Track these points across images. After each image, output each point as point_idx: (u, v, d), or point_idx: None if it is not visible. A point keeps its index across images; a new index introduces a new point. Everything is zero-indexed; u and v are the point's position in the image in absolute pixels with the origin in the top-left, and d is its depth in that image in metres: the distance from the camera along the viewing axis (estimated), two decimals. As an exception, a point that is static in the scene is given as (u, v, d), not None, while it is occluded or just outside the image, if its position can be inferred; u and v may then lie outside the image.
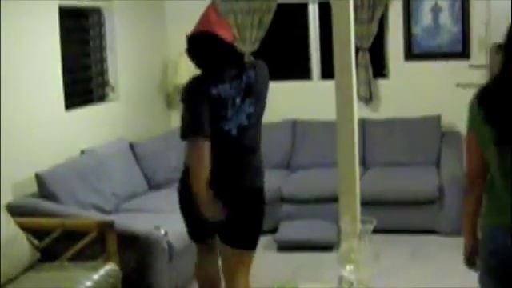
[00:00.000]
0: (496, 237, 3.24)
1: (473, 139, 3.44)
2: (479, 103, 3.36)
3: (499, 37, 7.89)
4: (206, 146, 4.32)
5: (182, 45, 8.32)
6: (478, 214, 3.47)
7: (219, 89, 4.45)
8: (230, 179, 4.58)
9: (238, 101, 4.51)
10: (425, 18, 8.09)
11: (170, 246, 5.57)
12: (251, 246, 4.71)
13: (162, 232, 5.51)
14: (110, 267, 4.97)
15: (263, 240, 7.16)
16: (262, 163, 4.77)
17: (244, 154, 4.61)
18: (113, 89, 7.47)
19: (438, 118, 7.88)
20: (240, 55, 4.81)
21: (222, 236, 4.67)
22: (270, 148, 8.07)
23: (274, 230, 7.15)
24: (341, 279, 3.16)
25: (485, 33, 7.89)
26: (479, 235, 3.45)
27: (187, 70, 8.22)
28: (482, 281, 3.41)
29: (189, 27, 8.56)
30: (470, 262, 3.59)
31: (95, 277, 4.80)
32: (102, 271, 4.88)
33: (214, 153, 4.33)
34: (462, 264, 6.01)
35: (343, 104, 3.48)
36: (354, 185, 3.57)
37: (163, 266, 5.51)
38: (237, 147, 4.53)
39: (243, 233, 4.64)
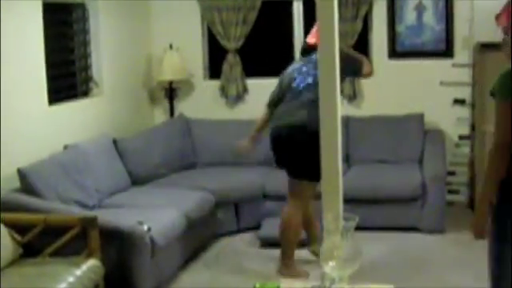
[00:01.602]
0: None
1: (509, 107, 3.67)
2: None
3: (483, 35, 7.96)
4: None
5: (167, 40, 8.42)
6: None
7: None
8: None
9: None
10: (409, 16, 8.11)
11: (153, 242, 5.57)
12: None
13: (145, 228, 5.51)
14: (92, 263, 4.96)
15: (246, 237, 7.21)
16: None
17: None
18: (97, 84, 7.45)
19: (421, 116, 7.91)
20: None
21: None
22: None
23: (257, 227, 7.17)
24: (323, 276, 3.16)
25: (468, 31, 7.92)
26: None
27: (171, 65, 8.24)
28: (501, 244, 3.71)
29: (173, 23, 8.65)
30: (481, 232, 3.81)
31: (77, 272, 4.79)
32: (84, 267, 4.88)
33: None
34: (443, 261, 6.05)
35: (326, 101, 3.48)
36: (337, 182, 3.57)
37: (146, 261, 5.51)
38: None
39: None
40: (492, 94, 3.88)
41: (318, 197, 3.70)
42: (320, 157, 4.79)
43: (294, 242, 6.03)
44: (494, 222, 3.79)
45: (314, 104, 5.18)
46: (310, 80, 5.96)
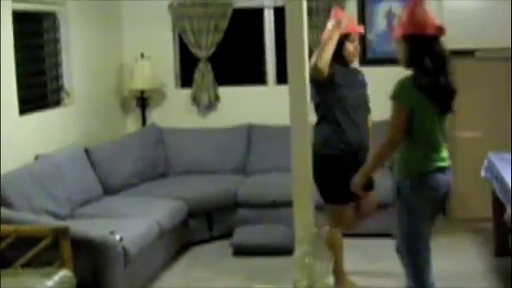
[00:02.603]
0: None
1: (405, 111, 4.48)
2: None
3: (452, 42, 8.01)
4: None
5: (138, 49, 8.41)
6: None
7: None
8: None
9: None
10: (379, 23, 8.17)
11: (126, 252, 5.55)
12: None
13: (117, 237, 5.49)
14: (64, 273, 4.93)
15: (218, 245, 7.20)
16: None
17: None
18: (68, 94, 7.42)
19: (392, 123, 7.94)
20: None
21: None
22: (225, 152, 8.14)
23: (229, 235, 7.16)
24: (296, 283, 3.18)
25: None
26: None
27: (143, 74, 8.23)
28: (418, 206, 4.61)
29: (145, 32, 8.63)
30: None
31: (49, 283, 4.75)
32: (56, 278, 4.84)
33: None
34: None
35: (297, 109, 3.50)
36: (308, 189, 3.59)
37: (118, 271, 5.49)
38: None
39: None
40: (392, 98, 4.52)
41: (291, 204, 3.71)
42: (339, 178, 5.35)
43: (341, 256, 5.80)
44: (411, 204, 4.62)
45: (316, 125, 5.55)
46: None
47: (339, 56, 5.62)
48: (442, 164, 4.63)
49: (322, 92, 5.51)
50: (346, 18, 5.71)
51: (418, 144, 4.57)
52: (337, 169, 5.47)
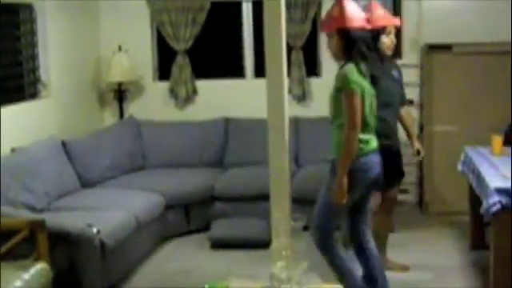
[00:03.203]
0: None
1: (360, 95, 4.72)
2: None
3: (430, 37, 8.06)
4: None
5: (116, 42, 8.37)
6: None
7: None
8: None
9: None
10: (357, 17, 8.16)
11: (103, 244, 5.54)
12: None
13: (95, 230, 5.48)
14: (40, 266, 4.92)
15: (196, 238, 7.21)
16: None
17: None
18: (45, 86, 7.38)
19: (370, 117, 7.96)
20: None
21: None
22: (202, 146, 8.14)
23: (206, 228, 7.17)
24: (272, 276, 3.18)
25: (416, 33, 8.01)
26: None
27: (120, 67, 8.20)
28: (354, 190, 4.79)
29: (122, 25, 8.60)
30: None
31: (25, 276, 4.74)
32: (32, 270, 4.83)
33: None
34: (394, 258, 6.10)
35: (274, 102, 3.50)
36: (285, 183, 3.59)
37: (96, 264, 5.49)
38: None
39: None
40: (344, 87, 4.73)
41: (268, 198, 3.72)
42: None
43: (381, 240, 5.96)
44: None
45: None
46: None
47: (374, 50, 5.56)
48: (375, 145, 4.96)
49: None
50: (381, 10, 5.80)
51: None
52: None
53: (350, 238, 5.10)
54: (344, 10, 4.84)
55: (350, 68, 4.80)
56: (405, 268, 6.20)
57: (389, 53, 5.81)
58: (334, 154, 4.92)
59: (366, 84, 4.84)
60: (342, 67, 4.84)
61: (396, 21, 5.88)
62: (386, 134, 5.65)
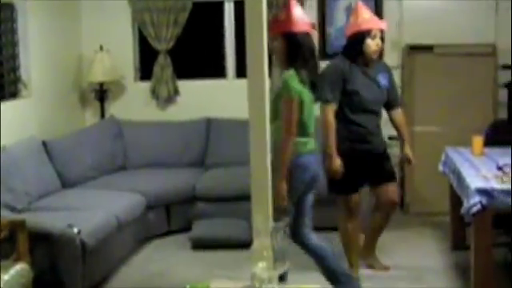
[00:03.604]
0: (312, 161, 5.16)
1: (298, 104, 4.95)
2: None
3: (411, 37, 8.08)
4: None
5: (97, 42, 8.35)
6: None
7: None
8: None
9: None
10: (339, 18, 8.19)
11: (83, 245, 5.52)
12: None
13: (75, 230, 5.46)
14: (20, 267, 4.89)
15: (177, 238, 7.19)
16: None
17: None
18: (25, 85, 7.35)
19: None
20: None
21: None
22: (184, 146, 8.13)
23: (187, 229, 7.16)
24: (253, 276, 3.17)
25: (397, 33, 8.02)
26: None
27: (102, 67, 8.17)
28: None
29: (104, 25, 8.57)
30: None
31: (5, 277, 4.72)
32: (12, 271, 4.80)
33: None
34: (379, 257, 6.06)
35: (256, 103, 3.50)
36: (266, 183, 3.59)
37: (76, 264, 5.47)
38: None
39: None
40: (283, 95, 4.96)
41: (249, 198, 3.71)
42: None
43: (350, 250, 6.02)
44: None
45: None
46: None
47: (359, 54, 5.73)
48: (313, 147, 5.18)
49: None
50: (367, 14, 5.80)
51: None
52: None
53: (292, 238, 5.23)
54: (291, 14, 4.97)
55: (291, 75, 4.98)
56: (386, 268, 6.22)
57: (374, 57, 5.80)
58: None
59: (305, 91, 5.01)
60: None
61: (382, 24, 5.86)
62: (359, 139, 5.78)
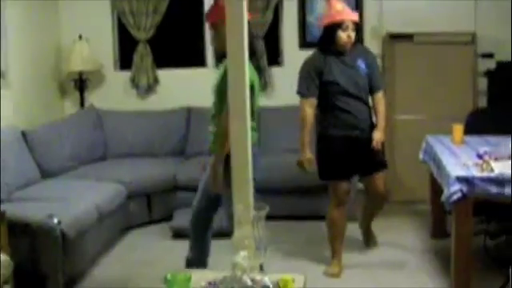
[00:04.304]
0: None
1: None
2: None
3: (392, 26, 8.09)
4: None
5: (76, 31, 8.30)
6: None
7: None
8: None
9: None
10: (319, 6, 8.17)
11: (64, 235, 5.50)
12: None
13: (55, 221, 5.43)
14: (0, 258, 4.87)
15: (158, 228, 7.18)
16: None
17: None
18: (3, 76, 7.29)
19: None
20: None
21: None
22: (164, 135, 8.11)
23: (169, 218, 7.15)
24: (235, 265, 3.17)
25: (378, 22, 8.03)
26: None
27: (81, 56, 8.13)
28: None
29: (83, 13, 8.53)
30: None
31: (-15, 268, 4.70)
32: (-8, 262, 4.79)
33: None
34: (355, 248, 6.14)
35: (235, 91, 3.49)
36: (247, 172, 3.58)
37: (57, 255, 5.45)
38: None
39: None
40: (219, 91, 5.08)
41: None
42: (327, 157, 5.93)
43: (334, 237, 6.06)
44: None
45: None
46: None
47: (332, 45, 5.82)
48: (254, 139, 5.04)
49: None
50: (340, 5, 5.84)
51: None
52: (323, 149, 5.95)
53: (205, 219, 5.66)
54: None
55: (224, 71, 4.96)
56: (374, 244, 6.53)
57: (346, 48, 5.84)
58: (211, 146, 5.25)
59: (255, 77, 5.02)
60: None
61: (354, 16, 5.88)
62: (350, 126, 5.86)
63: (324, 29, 5.88)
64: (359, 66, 5.90)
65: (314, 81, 5.81)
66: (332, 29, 5.77)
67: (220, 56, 5.27)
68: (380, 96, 6.07)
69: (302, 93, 5.85)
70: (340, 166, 5.89)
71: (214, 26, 5.05)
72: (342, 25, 5.74)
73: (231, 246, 3.30)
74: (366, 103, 5.97)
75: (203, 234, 5.69)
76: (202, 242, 5.69)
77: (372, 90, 6.02)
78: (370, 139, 5.87)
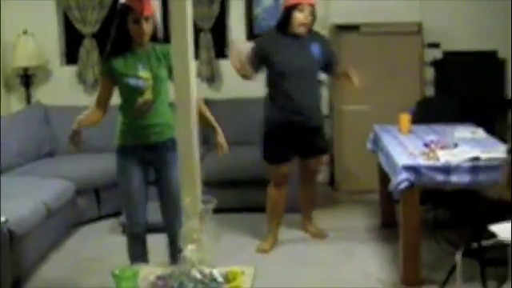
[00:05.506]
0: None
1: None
2: None
3: (338, 17, 8.11)
4: None
5: (21, 26, 8.20)
6: None
7: None
8: None
9: None
10: (266, -1, 8.20)
11: (11, 233, 5.44)
12: None
13: (2, 219, 5.37)
14: None
15: (107, 223, 7.14)
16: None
17: None
18: None
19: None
20: None
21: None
22: (111, 130, 7.95)
23: (118, 213, 7.10)
24: (183, 259, 3.17)
25: (324, 13, 8.04)
26: None
27: (26, 51, 8.04)
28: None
29: (27, 7, 8.41)
30: None
31: None
32: None
33: None
34: (303, 240, 6.17)
35: (180, 83, 3.48)
36: (194, 165, 3.57)
37: (4, 253, 5.37)
38: None
39: None
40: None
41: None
42: (270, 140, 6.13)
43: (270, 215, 6.42)
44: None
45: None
46: None
47: (288, 25, 6.00)
48: None
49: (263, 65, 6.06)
50: None
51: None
52: (267, 133, 6.21)
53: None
54: None
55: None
56: (322, 234, 6.57)
57: (301, 30, 5.99)
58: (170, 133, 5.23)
59: None
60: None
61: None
62: (293, 110, 6.02)
63: (283, 10, 6.06)
64: (312, 51, 6.05)
65: (258, 57, 6.03)
66: (289, 10, 5.94)
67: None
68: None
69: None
70: (280, 150, 6.15)
71: (144, 18, 5.12)
72: (298, 6, 5.90)
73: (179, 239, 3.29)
74: (314, 88, 6.12)
75: None
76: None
77: (331, 65, 6.28)
78: (313, 125, 6.09)
